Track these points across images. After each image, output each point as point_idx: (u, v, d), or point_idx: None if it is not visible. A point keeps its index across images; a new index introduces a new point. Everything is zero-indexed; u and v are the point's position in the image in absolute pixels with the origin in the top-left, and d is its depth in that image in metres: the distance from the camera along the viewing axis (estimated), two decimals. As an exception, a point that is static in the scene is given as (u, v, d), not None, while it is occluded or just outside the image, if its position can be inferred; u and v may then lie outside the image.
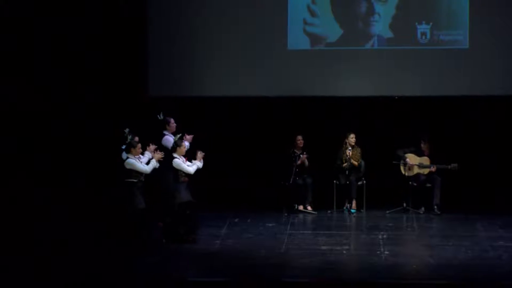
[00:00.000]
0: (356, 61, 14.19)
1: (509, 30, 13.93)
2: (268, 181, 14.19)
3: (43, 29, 14.04)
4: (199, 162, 12.03)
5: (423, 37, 14.08)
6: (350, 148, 14.02)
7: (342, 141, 14.10)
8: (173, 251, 11.39)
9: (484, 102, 14.27)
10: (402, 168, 13.91)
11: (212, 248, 11.54)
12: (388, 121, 14.48)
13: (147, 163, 11.58)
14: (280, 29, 14.19)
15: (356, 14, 14.15)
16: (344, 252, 11.42)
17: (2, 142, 13.88)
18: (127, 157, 11.48)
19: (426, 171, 13.86)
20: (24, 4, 14.00)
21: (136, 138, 11.63)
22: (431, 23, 14.07)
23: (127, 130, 11.65)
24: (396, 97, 14.32)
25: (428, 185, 13.81)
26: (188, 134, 12.44)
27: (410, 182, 13.82)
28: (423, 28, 14.05)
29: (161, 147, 12.14)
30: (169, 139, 12.33)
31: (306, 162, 13.95)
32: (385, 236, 12.24)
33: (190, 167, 11.87)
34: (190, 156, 12.13)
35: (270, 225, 12.99)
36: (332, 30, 14.21)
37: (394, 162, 13.90)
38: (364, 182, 14.06)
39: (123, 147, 11.66)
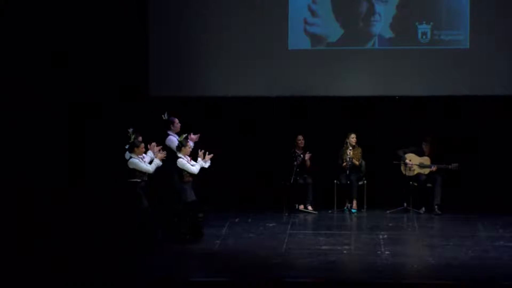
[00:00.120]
0: (357, 61, 14.18)
1: (509, 30, 13.92)
2: (269, 181, 14.18)
3: (43, 29, 14.04)
4: (203, 162, 12.02)
5: (424, 37, 14.08)
6: (350, 148, 14.02)
7: (342, 141, 14.10)
8: (173, 251, 11.38)
9: (484, 102, 14.26)
10: (402, 168, 13.91)
11: (212, 248, 11.54)
12: (388, 121, 14.48)
13: (150, 163, 11.56)
14: (280, 29, 14.19)
15: (356, 14, 14.15)
16: (345, 252, 11.41)
17: (2, 142, 13.88)
18: (130, 157, 11.46)
19: (426, 171, 13.87)
20: (24, 4, 14.00)
21: (140, 138, 11.62)
22: (431, 23, 14.07)
23: (131, 129, 11.64)
24: (396, 97, 14.31)
25: (429, 185, 13.82)
26: (194, 134, 12.41)
27: (411, 182, 13.82)
28: (423, 28, 14.05)
29: (164, 147, 12.13)
30: (173, 139, 12.33)
31: (308, 162, 13.95)
32: (385, 236, 12.24)
33: (194, 167, 11.86)
34: (194, 156, 12.11)
35: (271, 225, 12.99)
36: (332, 30, 14.21)
37: (394, 162, 13.91)
38: (365, 182, 14.07)
39: (127, 146, 11.65)
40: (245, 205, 14.01)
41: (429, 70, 14.12)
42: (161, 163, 11.62)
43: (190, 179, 11.86)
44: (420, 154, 13.95)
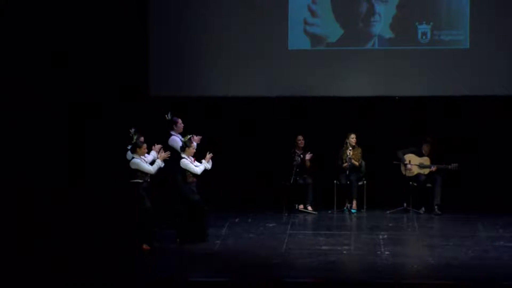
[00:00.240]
0: (356, 61, 14.19)
1: (509, 30, 13.93)
2: (268, 181, 14.18)
3: (43, 29, 14.04)
4: (206, 163, 12.01)
5: (424, 37, 14.08)
6: (350, 148, 14.02)
7: (342, 141, 14.10)
8: (173, 251, 11.38)
9: (484, 102, 14.27)
10: (402, 168, 13.91)
11: (212, 248, 11.54)
12: (388, 121, 14.48)
13: (152, 163, 11.55)
14: (280, 29, 14.19)
15: (356, 14, 14.15)
16: (345, 252, 11.41)
17: (2, 142, 13.88)
18: (133, 157, 11.45)
19: (426, 171, 13.87)
20: (24, 4, 14.00)
21: (142, 138, 11.62)
22: (431, 23, 14.07)
23: (133, 130, 11.64)
24: (396, 97, 14.31)
25: (429, 185, 13.82)
26: (196, 135, 12.39)
27: (411, 182, 13.82)
28: (423, 28, 14.05)
29: (167, 147, 12.12)
30: (176, 139, 12.33)
31: (308, 162, 13.96)
32: (385, 236, 12.24)
33: (198, 167, 11.86)
34: (196, 156, 12.10)
35: (271, 225, 12.99)
36: (332, 30, 14.21)
37: (394, 162, 13.91)
38: (365, 182, 14.07)
39: (129, 147, 11.66)
40: (245, 205, 14.01)
41: (429, 70, 14.12)
42: (163, 164, 11.60)
43: (194, 179, 11.85)
44: (420, 154, 13.95)
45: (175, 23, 14.26)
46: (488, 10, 13.98)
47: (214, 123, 14.29)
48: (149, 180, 11.43)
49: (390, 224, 13.07)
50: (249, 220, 13.30)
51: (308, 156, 13.90)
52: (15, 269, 10.45)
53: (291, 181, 13.74)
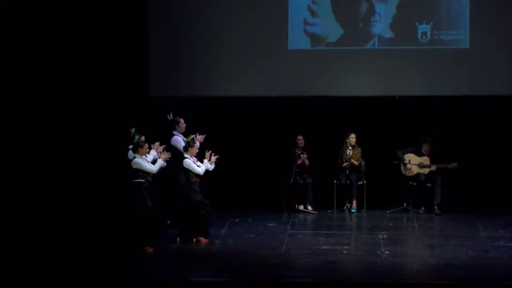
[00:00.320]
0: (356, 61, 14.19)
1: (509, 30, 13.93)
2: (268, 181, 14.18)
3: (43, 29, 14.04)
4: (208, 163, 12.00)
5: (424, 37, 14.08)
6: (350, 148, 14.02)
7: (342, 141, 14.10)
8: (173, 251, 11.38)
9: (484, 102, 14.27)
10: (402, 168, 13.92)
11: (212, 248, 11.53)
12: (388, 121, 14.48)
13: (153, 162, 11.53)
14: (280, 29, 14.20)
15: (356, 14, 14.15)
16: (345, 252, 11.41)
17: (2, 142, 13.89)
18: (134, 157, 11.44)
19: (426, 170, 13.87)
20: (24, 4, 14.00)
21: (143, 138, 11.62)
22: (431, 23, 14.07)
23: (133, 129, 11.64)
24: (396, 97, 14.31)
25: (429, 184, 13.82)
26: (199, 134, 12.38)
27: (411, 182, 13.83)
28: (423, 28, 14.05)
29: (170, 147, 12.11)
30: (178, 139, 12.32)
31: (307, 162, 13.96)
32: (385, 236, 12.24)
33: (199, 168, 11.85)
34: (199, 156, 12.09)
35: (271, 225, 12.99)
36: (332, 30, 14.22)
37: (394, 162, 13.91)
38: (365, 182, 14.07)
39: (130, 146, 11.65)
40: (245, 205, 14.02)
41: (429, 70, 14.12)
42: (164, 164, 11.59)
43: (197, 179, 11.85)
44: (419, 154, 13.95)
45: (175, 23, 14.27)
46: (488, 10, 13.99)
47: (214, 123, 14.28)
48: (150, 179, 11.42)
49: (390, 224, 13.07)
50: (249, 220, 13.30)
51: (304, 156, 13.88)
52: (15, 269, 10.45)
53: (291, 181, 13.74)
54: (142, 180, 11.35)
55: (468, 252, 11.26)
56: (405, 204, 13.85)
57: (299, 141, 14.09)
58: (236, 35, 14.26)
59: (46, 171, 13.97)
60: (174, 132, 12.47)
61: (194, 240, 11.71)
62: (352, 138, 14.05)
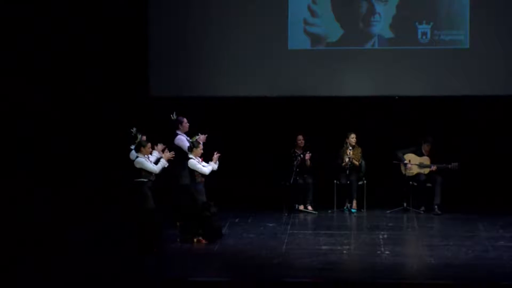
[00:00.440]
0: (356, 61, 14.19)
1: (509, 30, 13.93)
2: (268, 181, 14.18)
3: (43, 29, 14.05)
4: (214, 164, 12.00)
5: (424, 37, 14.08)
6: (350, 148, 14.02)
7: (342, 141, 14.10)
8: (173, 251, 11.38)
9: (484, 102, 14.27)
10: (402, 168, 13.92)
11: (212, 248, 11.53)
12: (388, 121, 14.48)
13: (156, 163, 11.53)
14: (280, 29, 14.20)
15: (356, 14, 14.15)
16: (345, 252, 11.41)
17: (2, 142, 13.89)
18: (137, 156, 11.43)
19: (426, 170, 13.87)
20: (24, 4, 14.01)
21: (144, 137, 11.62)
22: (431, 23, 14.07)
23: (134, 129, 11.65)
24: (396, 97, 14.31)
25: (429, 184, 13.82)
26: (202, 134, 12.37)
27: (411, 182, 13.83)
28: (423, 28, 14.05)
29: (174, 147, 12.10)
30: (182, 139, 12.32)
31: (308, 162, 13.95)
32: (385, 236, 12.24)
33: (205, 167, 11.84)
34: (202, 156, 12.08)
35: (271, 225, 12.98)
36: (332, 30, 14.22)
37: (394, 162, 13.91)
38: (365, 182, 14.06)
39: (132, 146, 11.66)
40: (245, 205, 14.01)
41: (429, 70, 14.12)
42: (167, 164, 11.57)
43: (202, 179, 11.84)
44: (419, 154, 13.95)
45: (175, 23, 14.27)
46: (488, 10, 13.98)
47: (214, 123, 14.28)
48: (153, 179, 11.41)
49: (390, 224, 13.06)
50: (249, 220, 13.29)
51: (307, 156, 13.90)
52: (15, 269, 10.45)
53: (291, 181, 13.74)
54: (145, 180, 11.33)
55: (468, 252, 11.26)
56: (405, 204, 13.85)
57: (299, 141, 14.09)
58: (236, 35, 14.26)
59: (46, 171, 13.98)
60: (178, 132, 12.46)
61: (195, 240, 11.71)
62: (352, 138, 14.05)
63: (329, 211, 13.90)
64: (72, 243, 11.67)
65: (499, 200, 14.04)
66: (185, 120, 12.52)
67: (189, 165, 11.80)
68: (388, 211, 13.81)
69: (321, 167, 14.11)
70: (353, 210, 13.97)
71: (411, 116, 14.44)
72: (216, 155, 12.05)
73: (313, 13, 14.25)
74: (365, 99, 14.39)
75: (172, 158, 11.61)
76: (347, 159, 13.93)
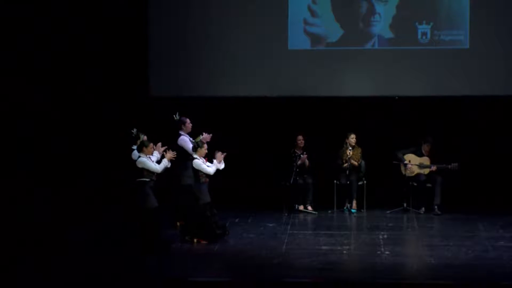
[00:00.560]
0: (356, 61, 14.20)
1: (509, 30, 13.94)
2: (268, 181, 14.19)
3: (43, 29, 14.05)
4: (218, 163, 11.99)
5: (424, 37, 14.09)
6: (350, 148, 14.02)
7: (342, 141, 14.10)
8: (173, 251, 11.37)
9: (484, 102, 14.27)
10: (402, 168, 13.92)
11: (212, 248, 11.53)
12: (388, 121, 14.48)
13: (158, 163, 11.52)
14: (280, 29, 14.20)
15: (356, 14, 14.16)
16: (345, 252, 11.41)
17: (2, 142, 13.89)
18: (139, 156, 11.43)
19: (426, 171, 13.87)
20: (24, 4, 14.01)
21: (145, 137, 11.62)
22: (431, 23, 14.08)
23: (135, 130, 11.64)
24: (396, 97, 14.32)
25: (429, 185, 13.82)
26: (207, 134, 12.34)
27: (411, 182, 13.83)
28: (423, 28, 14.06)
29: (177, 147, 12.09)
30: (185, 139, 12.31)
31: (307, 162, 13.96)
32: (385, 236, 12.24)
33: (210, 167, 11.83)
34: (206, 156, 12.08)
35: (271, 225, 12.98)
36: (332, 30, 14.22)
37: (394, 162, 13.91)
38: (365, 182, 14.06)
39: (134, 147, 11.64)
40: (245, 205, 14.02)
41: (429, 70, 14.13)
42: (169, 164, 11.57)
43: (207, 180, 11.83)
44: (419, 154, 13.95)
45: (175, 23, 14.27)
46: (488, 10, 13.99)
47: (214, 123, 14.27)
48: (155, 179, 11.41)
49: (390, 224, 13.06)
50: (249, 220, 13.30)
51: (303, 157, 13.88)
52: (15, 269, 10.45)
53: (291, 181, 13.74)
54: (147, 180, 11.33)
55: (468, 252, 11.26)
56: (405, 204, 13.85)
57: (299, 141, 14.09)
58: (236, 35, 14.27)
59: (46, 171, 13.98)
60: (181, 132, 12.44)
61: (195, 240, 11.71)
62: (352, 139, 14.05)
63: (329, 211, 13.90)
64: (72, 243, 11.67)
65: (499, 200, 14.04)
66: (188, 120, 12.50)
67: (194, 165, 11.78)
68: (388, 211, 13.81)
69: (321, 167, 14.11)
70: (353, 210, 13.97)
71: (411, 116, 14.45)
72: (221, 155, 12.03)
73: (313, 13, 14.25)
74: (365, 99, 14.39)
75: (174, 158, 11.60)
76: (347, 158, 13.94)
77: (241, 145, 14.48)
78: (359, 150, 14.11)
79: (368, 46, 14.20)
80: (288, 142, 14.14)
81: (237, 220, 13.23)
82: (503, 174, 14.35)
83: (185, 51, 14.27)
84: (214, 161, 11.96)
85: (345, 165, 13.99)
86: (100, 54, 14.23)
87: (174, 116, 12.34)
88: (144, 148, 11.41)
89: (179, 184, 12.19)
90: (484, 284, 9.94)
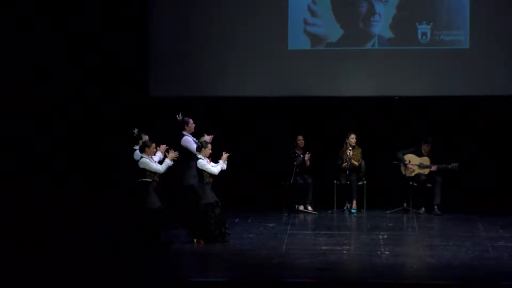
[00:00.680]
0: (356, 61, 14.19)
1: (509, 30, 13.94)
2: (268, 181, 14.18)
3: (43, 29, 14.05)
4: (223, 163, 11.99)
5: (424, 37, 14.09)
6: (350, 148, 14.02)
7: (342, 141, 14.10)
8: (173, 251, 11.37)
9: (484, 102, 14.27)
10: (402, 168, 13.92)
11: (212, 248, 11.53)
12: (388, 121, 14.48)
13: (160, 163, 11.52)
14: (280, 29, 14.20)
15: (356, 14, 14.15)
16: (345, 252, 11.41)
17: (2, 142, 13.89)
18: (141, 157, 11.42)
19: (426, 171, 13.86)
20: (24, 4, 14.01)
21: (146, 137, 11.60)
22: (431, 23, 14.08)
23: (136, 130, 11.62)
24: (396, 97, 14.32)
25: (429, 185, 13.82)
26: (208, 134, 12.34)
27: (411, 182, 13.83)
28: (423, 28, 14.06)
29: (180, 147, 12.08)
30: (188, 139, 12.30)
31: (308, 162, 13.96)
32: (385, 236, 12.24)
33: (214, 168, 11.83)
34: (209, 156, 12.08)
35: (271, 225, 12.98)
36: (332, 30, 14.22)
37: (394, 162, 13.91)
38: (365, 182, 14.06)
39: (136, 147, 11.63)
40: (245, 205, 14.01)
41: (429, 70, 14.12)
42: (171, 163, 11.56)
43: (211, 180, 11.82)
44: (419, 154, 13.95)
45: (175, 23, 14.27)
46: (488, 10, 13.99)
47: (214, 123, 14.28)
48: (158, 179, 11.40)
49: (390, 224, 13.06)
50: (249, 220, 13.30)
51: (306, 156, 13.89)
52: (15, 269, 10.45)
53: (291, 181, 13.74)
54: (149, 180, 11.33)
55: (468, 252, 11.26)
56: (405, 205, 13.85)
57: (299, 141, 14.08)
58: (236, 35, 14.26)
59: (46, 171, 13.97)
60: (184, 133, 12.42)
61: (195, 240, 11.71)
62: (352, 139, 14.05)
63: (329, 211, 13.90)
64: (72, 243, 11.67)
65: (499, 200, 14.04)
66: (191, 120, 12.47)
67: (198, 166, 11.76)
68: (388, 212, 13.81)
69: (321, 168, 14.11)
70: (353, 211, 13.97)
71: (411, 116, 14.45)
72: (225, 155, 12.03)
73: (313, 13, 14.25)
74: (365, 99, 14.39)
75: (176, 158, 11.60)
76: (347, 158, 13.94)
77: (241, 145, 14.47)
78: (359, 150, 14.11)
79: (368, 46, 14.20)
80: (288, 142, 14.13)
81: (237, 220, 13.23)
82: (503, 174, 14.34)
83: (185, 51, 14.28)
84: (220, 161, 11.94)
85: (345, 165, 13.99)
86: (100, 54, 14.22)
87: (177, 116, 12.33)
88: (146, 149, 11.41)
89: (181, 184, 12.18)
90: (484, 284, 9.94)
